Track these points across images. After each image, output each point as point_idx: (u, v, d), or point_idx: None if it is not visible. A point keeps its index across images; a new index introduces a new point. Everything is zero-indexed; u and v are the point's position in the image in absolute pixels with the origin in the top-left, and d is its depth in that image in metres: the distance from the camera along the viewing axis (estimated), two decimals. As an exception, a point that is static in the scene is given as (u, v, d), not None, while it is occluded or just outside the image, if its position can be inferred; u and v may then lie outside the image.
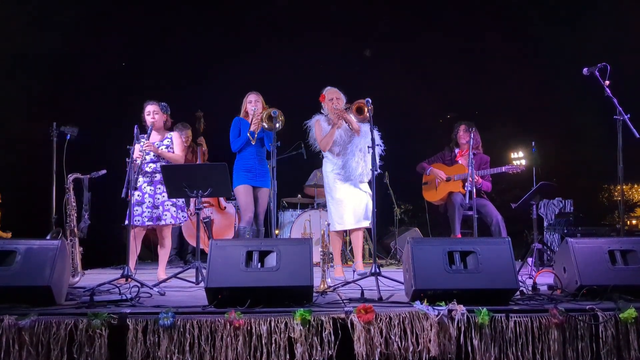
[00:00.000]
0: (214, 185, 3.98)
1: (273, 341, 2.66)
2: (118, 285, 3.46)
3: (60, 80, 5.97)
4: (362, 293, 3.18)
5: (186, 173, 4.04)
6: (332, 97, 4.67)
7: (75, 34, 6.02)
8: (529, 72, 7.52)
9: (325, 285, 3.59)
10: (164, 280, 4.01)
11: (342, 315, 2.71)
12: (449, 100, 8.09)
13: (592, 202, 8.02)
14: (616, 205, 6.97)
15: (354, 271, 4.37)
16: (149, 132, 4.33)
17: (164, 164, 4.34)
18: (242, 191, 4.84)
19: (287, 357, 2.66)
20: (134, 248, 4.28)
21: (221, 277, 2.92)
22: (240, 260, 2.96)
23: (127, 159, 4.00)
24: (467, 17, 7.56)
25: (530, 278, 3.90)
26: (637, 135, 4.17)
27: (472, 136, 5.04)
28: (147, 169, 4.42)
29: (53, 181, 4.89)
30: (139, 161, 4.12)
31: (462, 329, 2.69)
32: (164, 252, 4.55)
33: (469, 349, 2.68)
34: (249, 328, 2.67)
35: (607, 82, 4.25)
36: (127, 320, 2.67)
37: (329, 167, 4.72)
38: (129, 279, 3.63)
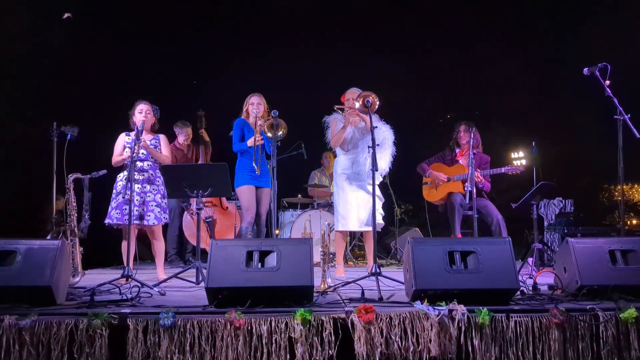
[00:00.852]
0: (214, 185, 3.98)
1: (273, 341, 2.66)
2: (118, 285, 3.47)
3: (60, 80, 5.96)
4: (363, 293, 3.18)
5: (187, 173, 4.04)
6: (350, 97, 4.73)
7: (75, 34, 6.01)
8: (529, 72, 7.52)
9: (326, 285, 3.59)
10: (165, 280, 4.01)
11: (343, 315, 2.71)
12: (449, 100, 8.09)
13: (593, 202, 8.03)
14: (616, 205, 6.99)
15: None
16: (138, 130, 4.25)
17: (151, 163, 4.43)
18: (246, 191, 4.82)
19: (288, 357, 2.66)
20: (130, 247, 4.25)
21: (221, 277, 2.92)
22: (241, 260, 2.96)
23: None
24: (467, 17, 7.56)
25: (530, 278, 3.90)
26: (638, 135, 4.17)
27: (472, 136, 5.04)
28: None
29: (53, 181, 4.89)
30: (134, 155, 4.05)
31: (463, 329, 2.69)
32: (159, 252, 4.55)
33: (470, 349, 2.68)
34: (249, 328, 2.67)
35: (608, 82, 4.25)
36: (128, 320, 2.67)
37: (339, 167, 4.80)
38: (129, 279, 3.63)
